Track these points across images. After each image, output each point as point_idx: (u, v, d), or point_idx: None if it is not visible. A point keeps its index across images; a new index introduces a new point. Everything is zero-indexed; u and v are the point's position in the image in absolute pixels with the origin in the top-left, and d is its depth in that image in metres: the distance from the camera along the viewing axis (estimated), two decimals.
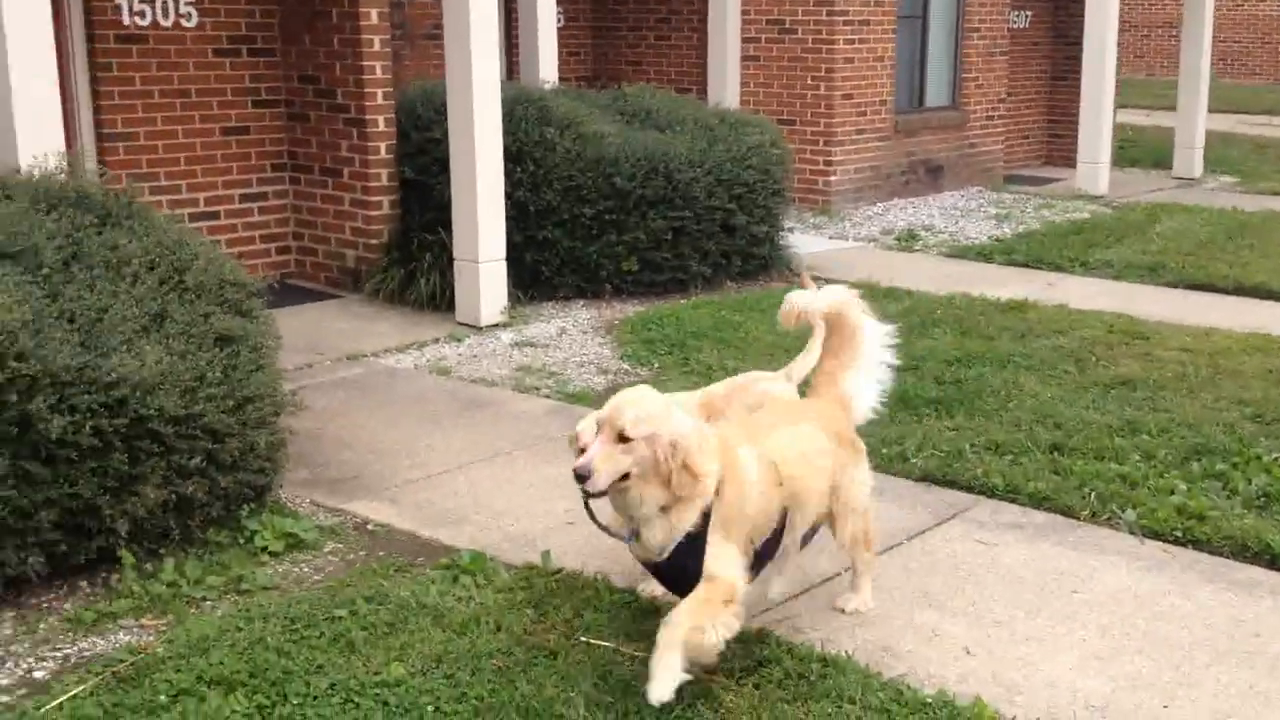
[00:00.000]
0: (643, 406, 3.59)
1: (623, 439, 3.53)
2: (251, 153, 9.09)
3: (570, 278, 8.73)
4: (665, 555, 3.67)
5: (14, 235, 4.74)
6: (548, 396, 6.72)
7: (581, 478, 3.51)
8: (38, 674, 3.92)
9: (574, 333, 8.05)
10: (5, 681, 3.86)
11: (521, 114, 8.58)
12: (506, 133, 8.19)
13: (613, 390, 6.75)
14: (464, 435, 6.11)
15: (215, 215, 8.90)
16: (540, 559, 4.61)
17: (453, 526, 5.08)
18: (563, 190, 8.50)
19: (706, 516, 3.63)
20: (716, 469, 3.65)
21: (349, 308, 8.60)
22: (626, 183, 8.53)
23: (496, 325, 8.11)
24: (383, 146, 8.73)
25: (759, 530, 3.80)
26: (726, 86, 11.89)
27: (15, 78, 5.76)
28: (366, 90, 8.62)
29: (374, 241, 8.79)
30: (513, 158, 8.29)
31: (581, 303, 8.77)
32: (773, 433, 3.95)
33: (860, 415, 4.32)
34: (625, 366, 7.33)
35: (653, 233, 8.70)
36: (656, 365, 7.28)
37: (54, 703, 3.65)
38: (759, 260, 9.44)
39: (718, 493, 3.64)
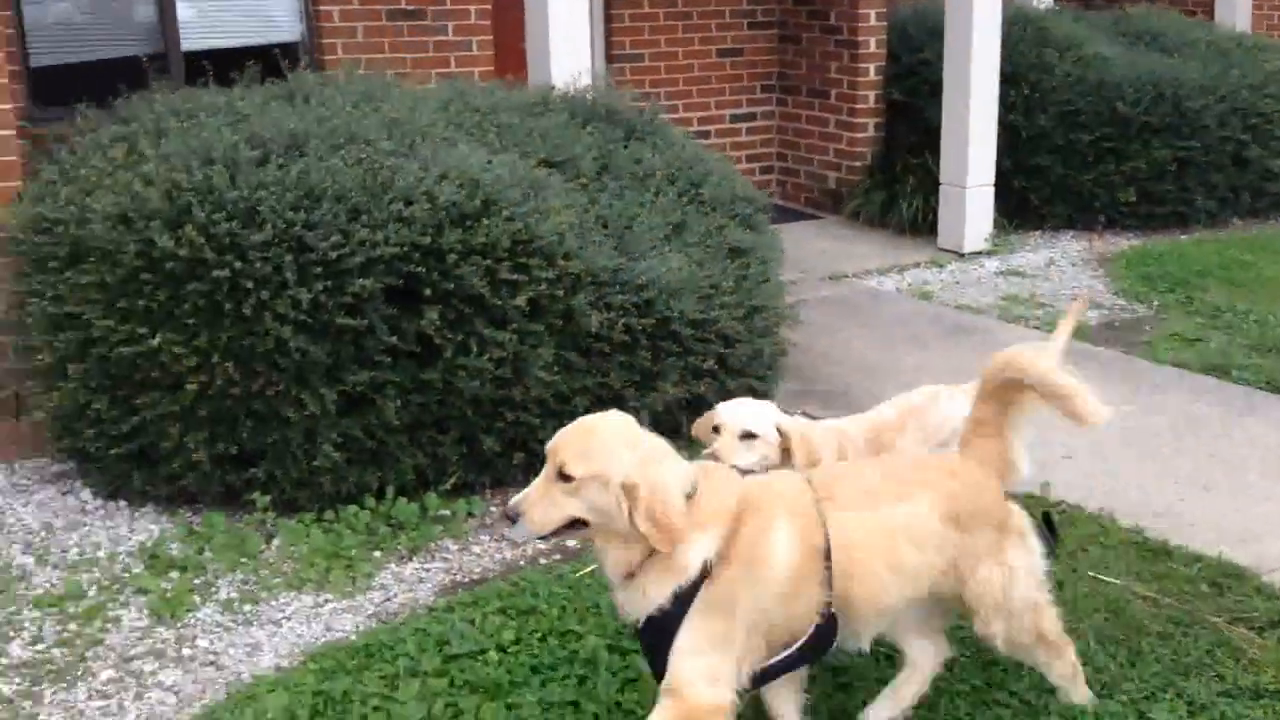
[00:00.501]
0: (592, 439, 2.78)
1: (564, 477, 2.75)
2: (743, 74, 9.35)
3: (1060, 207, 8.42)
4: (640, 626, 2.85)
5: (558, 146, 5.15)
6: (1036, 328, 6.56)
7: (510, 519, 2.80)
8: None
9: (1063, 264, 7.79)
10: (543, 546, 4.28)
11: (1018, 35, 8.32)
12: (1001, 55, 7.96)
13: (1109, 327, 6.53)
14: (950, 359, 6.08)
15: (706, 135, 9.24)
16: (1039, 490, 4.54)
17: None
18: (1058, 115, 8.18)
19: (681, 598, 2.76)
20: (709, 539, 2.77)
21: (828, 229, 8.72)
22: (1129, 109, 8.10)
23: (980, 252, 7.98)
24: (872, 68, 8.74)
25: (777, 637, 2.88)
26: (1237, 8, 10.96)
27: (553, 5, 6.21)
28: (860, 11, 8.63)
29: (857, 164, 8.84)
30: (1006, 80, 8.06)
31: (1070, 233, 8.45)
32: (851, 502, 2.95)
33: (1020, 477, 3.22)
34: (1121, 302, 7.02)
35: (1155, 162, 8.22)
36: (1156, 304, 6.93)
37: (586, 570, 4.00)
38: (1272, 197, 8.71)
39: (709, 572, 2.76)
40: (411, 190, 4.34)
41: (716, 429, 3.58)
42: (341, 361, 4.24)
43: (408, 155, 4.59)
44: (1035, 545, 3.13)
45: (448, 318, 4.31)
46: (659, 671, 2.81)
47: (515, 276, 4.38)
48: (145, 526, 4.41)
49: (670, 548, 2.71)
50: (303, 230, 4.17)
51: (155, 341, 4.15)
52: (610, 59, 8.80)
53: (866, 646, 3.05)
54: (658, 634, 2.78)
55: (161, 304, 4.17)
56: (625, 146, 5.49)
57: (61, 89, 6.10)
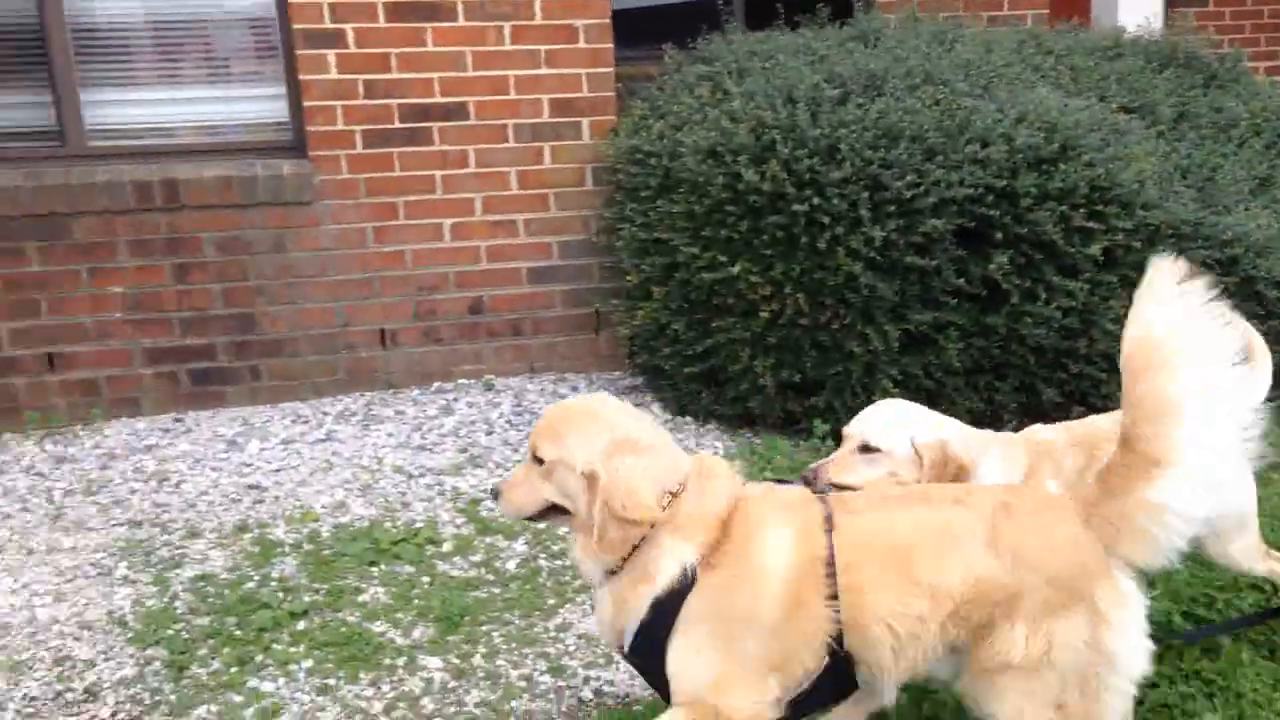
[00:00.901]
0: (566, 422, 2.54)
1: (537, 460, 2.55)
2: None
3: None
4: (626, 644, 2.57)
5: (1135, 91, 4.94)
6: None
7: (494, 496, 2.66)
8: None
9: None
10: None
11: None
12: None
13: None
14: None
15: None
16: None
17: None
18: None
19: (660, 608, 2.48)
20: (686, 543, 2.47)
21: None
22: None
23: None
24: None
25: (784, 660, 2.50)
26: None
27: None
28: None
29: None
30: None
31: None
32: (865, 507, 2.58)
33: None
34: None
35: None
36: None
37: None
38: None
39: (694, 579, 2.46)
40: (988, 132, 4.31)
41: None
42: (907, 300, 4.31)
43: (983, 97, 4.56)
44: (1126, 641, 2.43)
45: (1017, 263, 4.26)
46: (665, 688, 2.54)
47: (1090, 224, 4.26)
48: (710, 443, 4.71)
49: (606, 551, 2.47)
50: (879, 169, 4.26)
51: (734, 270, 4.39)
52: (1171, 3, 8.28)
53: (891, 692, 2.55)
54: (645, 653, 2.52)
55: (742, 235, 4.40)
56: (1204, 94, 5.19)
57: (641, 30, 6.56)
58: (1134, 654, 2.42)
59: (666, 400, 4.98)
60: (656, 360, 4.84)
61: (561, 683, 3.31)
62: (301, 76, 4.87)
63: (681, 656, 2.48)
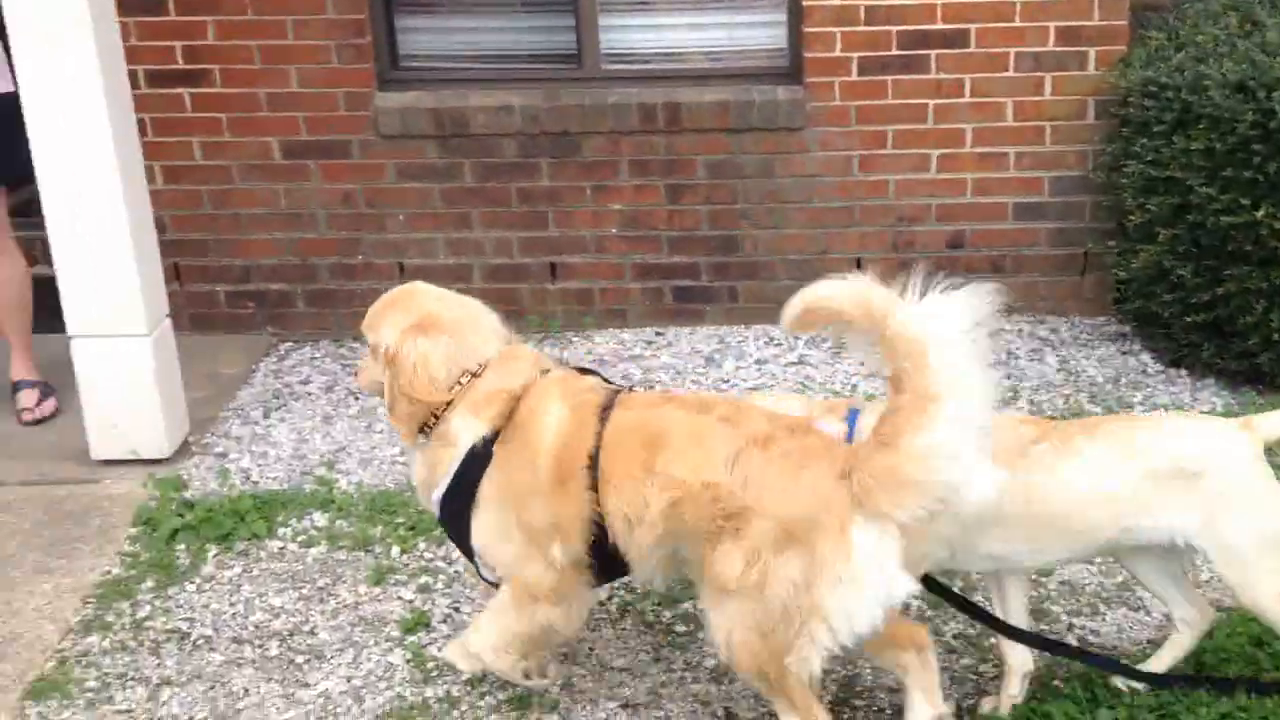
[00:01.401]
0: (377, 306, 2.93)
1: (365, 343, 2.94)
2: None
3: None
4: (435, 509, 2.89)
5: None
6: None
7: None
8: None
9: None
10: None
11: None
12: None
13: None
14: None
15: None
16: None
17: None
18: None
19: (461, 478, 2.76)
20: (477, 418, 2.74)
21: None
22: None
23: None
24: None
25: (562, 532, 2.70)
26: None
27: None
28: None
29: None
30: None
31: None
32: (650, 411, 2.71)
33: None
34: None
35: None
36: None
37: None
38: None
39: (489, 453, 2.73)
40: None
41: None
42: None
43: None
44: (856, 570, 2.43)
45: None
46: (470, 555, 2.86)
47: None
48: (1207, 398, 4.40)
49: (398, 423, 2.79)
50: None
51: (1258, 214, 4.05)
52: None
53: (658, 582, 2.80)
54: (451, 519, 2.82)
55: (1269, 176, 4.05)
56: None
57: None
58: (846, 613, 2.46)
59: (1159, 350, 4.69)
60: (1153, 307, 4.56)
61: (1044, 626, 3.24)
62: (805, 2, 4.90)
63: (483, 530, 2.78)
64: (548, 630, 2.81)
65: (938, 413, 2.35)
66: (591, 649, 3.27)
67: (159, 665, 3.24)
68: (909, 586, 2.48)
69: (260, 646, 3.31)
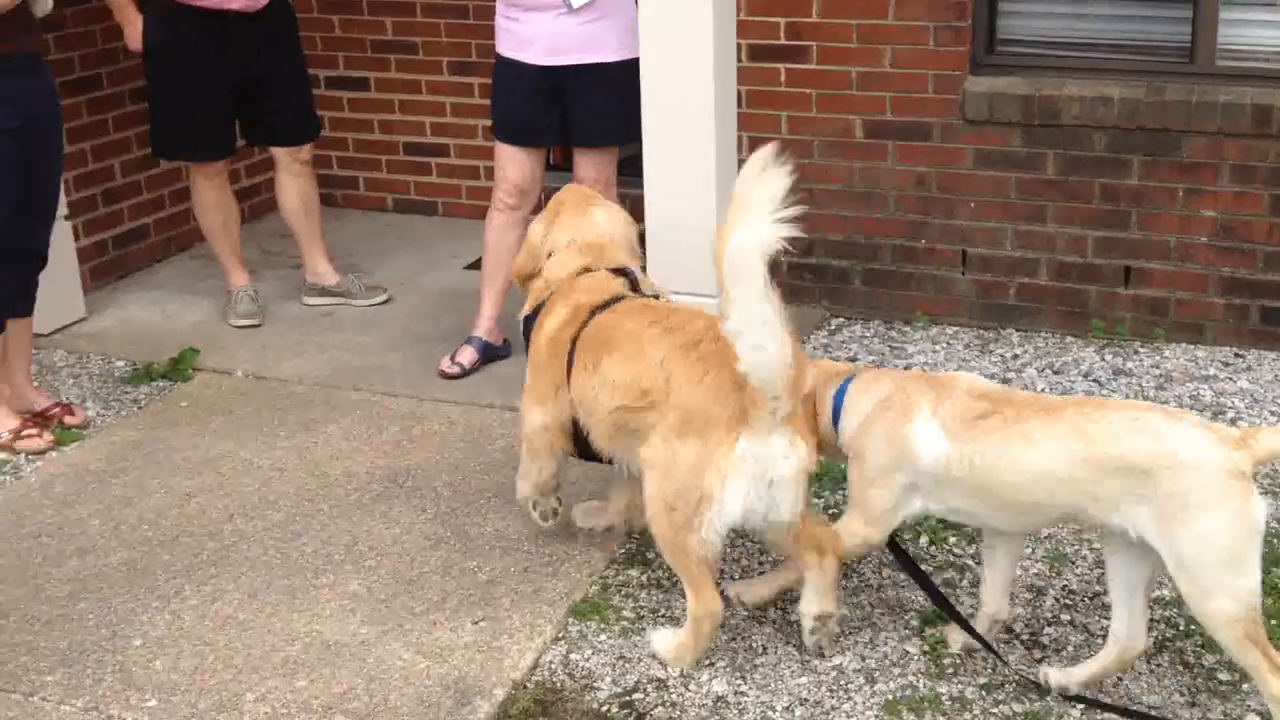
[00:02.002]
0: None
1: None
2: None
3: None
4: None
5: None
6: None
7: None
8: None
9: None
10: None
11: None
12: None
13: None
14: None
15: None
16: None
17: None
18: None
19: (527, 321, 3.55)
20: (540, 286, 3.54)
21: None
22: None
23: None
24: None
25: (548, 398, 3.40)
26: None
27: None
28: None
29: None
30: None
31: None
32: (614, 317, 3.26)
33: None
34: None
35: None
36: None
37: None
38: None
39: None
40: None
41: None
42: None
43: None
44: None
45: None
46: None
47: None
48: None
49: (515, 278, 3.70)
50: None
51: None
52: None
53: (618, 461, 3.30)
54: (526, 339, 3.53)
55: None
56: None
57: None
58: (725, 504, 2.92)
59: None
60: None
61: None
62: None
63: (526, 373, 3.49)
64: (537, 474, 3.50)
65: (732, 311, 2.73)
66: (1120, 679, 3.10)
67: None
68: (791, 494, 2.93)
69: (782, 609, 3.42)
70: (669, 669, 3.19)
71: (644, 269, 3.68)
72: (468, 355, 4.82)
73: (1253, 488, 2.65)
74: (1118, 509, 2.74)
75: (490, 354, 4.86)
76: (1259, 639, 2.68)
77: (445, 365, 4.79)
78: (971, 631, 3.15)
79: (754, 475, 2.89)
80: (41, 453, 4.27)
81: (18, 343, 4.39)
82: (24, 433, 4.29)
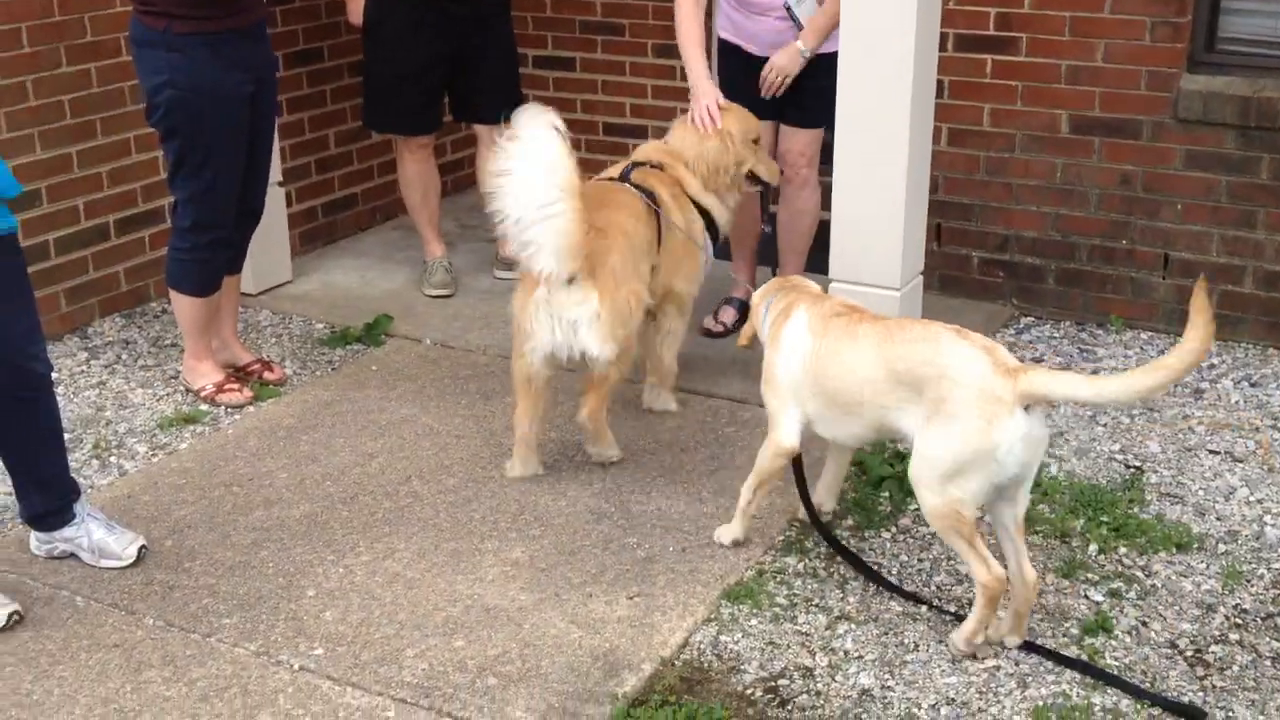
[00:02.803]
0: None
1: None
2: None
3: None
4: None
5: None
6: None
7: None
8: None
9: None
10: None
11: None
12: None
13: None
14: None
15: None
16: None
17: None
18: None
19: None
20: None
21: None
22: None
23: None
24: None
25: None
26: None
27: None
28: None
29: None
30: None
31: None
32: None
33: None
34: None
35: None
36: None
37: None
38: None
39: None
40: None
41: None
42: None
43: None
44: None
45: None
46: None
47: None
48: None
49: None
50: None
51: None
52: None
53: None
54: None
55: None
56: None
57: None
58: (533, 337, 3.80)
59: None
60: None
61: None
62: None
63: None
64: None
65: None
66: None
67: (842, 599, 3.43)
68: (587, 331, 3.73)
69: (936, 606, 3.37)
70: (815, 658, 3.18)
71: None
72: (729, 315, 5.07)
73: (1004, 413, 2.86)
74: (904, 410, 3.05)
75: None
76: (964, 533, 3.01)
77: (709, 323, 5.05)
78: (813, 515, 3.58)
79: (552, 315, 3.69)
80: (240, 407, 4.52)
81: (228, 299, 4.65)
82: (226, 386, 4.55)
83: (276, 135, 4.93)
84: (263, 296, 5.47)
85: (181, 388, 4.65)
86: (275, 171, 5.35)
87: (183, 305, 4.51)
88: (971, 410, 2.90)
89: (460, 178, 6.71)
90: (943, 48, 4.56)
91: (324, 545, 3.71)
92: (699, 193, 4.32)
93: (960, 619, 3.23)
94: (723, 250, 4.65)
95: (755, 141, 4.43)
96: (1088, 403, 2.92)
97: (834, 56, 4.22)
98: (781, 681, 3.12)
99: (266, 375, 4.70)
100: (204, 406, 4.53)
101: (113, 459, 4.19)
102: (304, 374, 4.82)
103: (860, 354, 3.16)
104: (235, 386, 4.57)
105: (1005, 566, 3.12)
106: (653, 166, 4.27)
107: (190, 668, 3.18)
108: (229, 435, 4.36)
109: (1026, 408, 2.89)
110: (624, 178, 4.17)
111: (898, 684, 3.10)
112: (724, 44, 4.82)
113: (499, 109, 5.37)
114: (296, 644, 3.27)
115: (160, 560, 3.62)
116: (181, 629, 3.34)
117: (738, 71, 4.74)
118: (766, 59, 4.63)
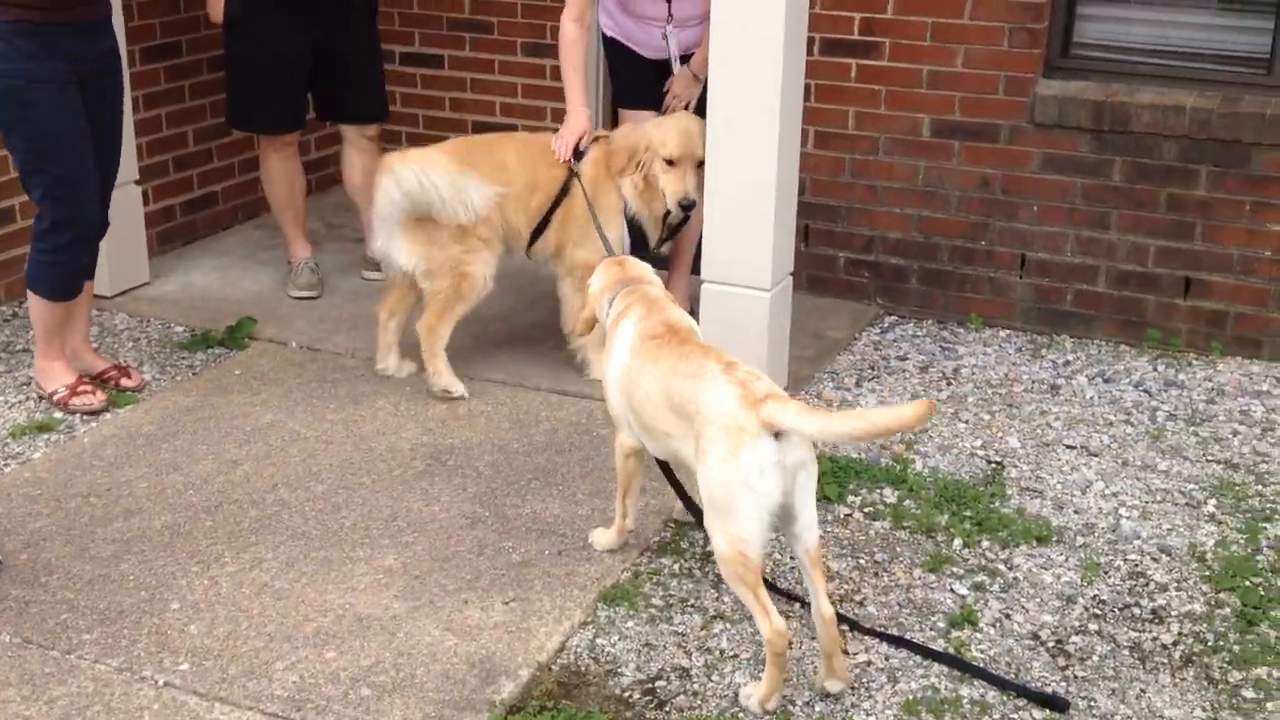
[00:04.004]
0: None
1: None
2: None
3: None
4: None
5: None
6: None
7: None
8: None
9: None
10: None
11: None
12: None
13: None
14: None
15: None
16: None
17: None
18: None
19: None
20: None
21: None
22: None
23: None
24: None
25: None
26: None
27: None
28: None
29: None
30: None
31: None
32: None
33: None
34: None
35: None
36: None
37: None
38: None
39: None
40: None
41: None
42: None
43: None
44: None
45: None
46: None
47: None
48: None
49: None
50: None
51: None
52: None
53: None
54: None
55: None
56: None
57: None
58: None
59: None
60: None
61: None
62: None
63: None
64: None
65: None
66: (1143, 690, 3.07)
67: (717, 599, 3.45)
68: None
69: (808, 606, 3.41)
70: (692, 658, 3.20)
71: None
72: None
73: (747, 441, 2.84)
74: (684, 442, 3.07)
75: None
76: (749, 581, 2.92)
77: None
78: (692, 510, 3.50)
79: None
80: (95, 413, 4.37)
81: (80, 305, 4.49)
82: (79, 389, 4.40)
83: (131, 131, 4.77)
84: (119, 299, 5.30)
85: (34, 395, 4.48)
86: (131, 169, 5.19)
87: (39, 308, 4.35)
88: (719, 442, 2.91)
89: (325, 176, 6.59)
90: (809, 52, 4.62)
91: (188, 556, 3.61)
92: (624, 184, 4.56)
93: (844, 619, 3.27)
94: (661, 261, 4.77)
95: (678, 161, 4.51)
96: (814, 438, 2.85)
97: None
98: (659, 683, 3.13)
99: (124, 381, 4.56)
100: (58, 414, 4.37)
101: None
102: (163, 379, 4.69)
103: (654, 383, 3.17)
104: (89, 388, 4.41)
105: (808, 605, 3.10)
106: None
107: (49, 686, 3.07)
108: (85, 444, 4.21)
109: (778, 435, 2.86)
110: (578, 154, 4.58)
111: None
112: (612, 41, 4.87)
113: (363, 109, 5.37)
114: (161, 659, 3.18)
115: (15, 575, 3.49)
116: (40, 646, 3.22)
117: (631, 64, 4.87)
118: (656, 61, 4.78)
